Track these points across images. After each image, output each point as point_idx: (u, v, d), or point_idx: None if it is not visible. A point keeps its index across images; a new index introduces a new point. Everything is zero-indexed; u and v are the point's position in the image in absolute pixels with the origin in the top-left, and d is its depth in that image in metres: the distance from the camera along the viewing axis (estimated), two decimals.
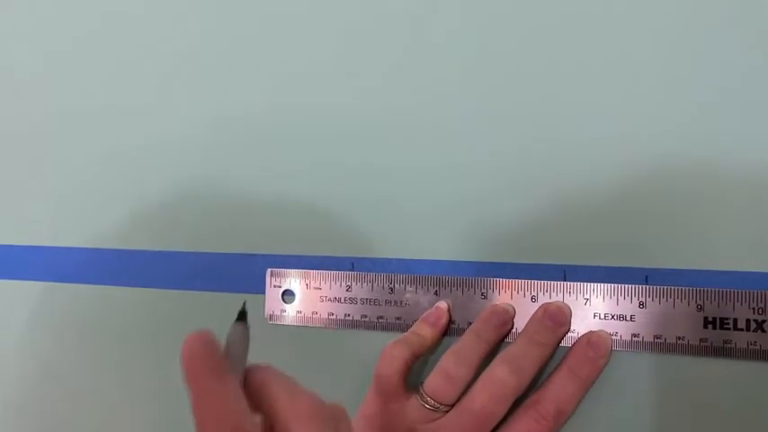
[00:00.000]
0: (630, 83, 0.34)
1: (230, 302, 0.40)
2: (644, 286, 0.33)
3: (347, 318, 0.38)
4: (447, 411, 0.32)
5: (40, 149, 0.47)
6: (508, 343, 0.34)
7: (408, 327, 0.36)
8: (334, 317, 0.38)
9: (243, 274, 0.41)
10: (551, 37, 0.36)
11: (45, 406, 0.45)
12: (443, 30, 0.38)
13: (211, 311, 0.41)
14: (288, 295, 0.39)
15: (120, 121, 0.45)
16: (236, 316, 0.28)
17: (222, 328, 0.40)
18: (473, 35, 0.37)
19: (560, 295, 0.34)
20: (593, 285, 0.34)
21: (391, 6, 0.39)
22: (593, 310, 0.33)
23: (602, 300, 0.33)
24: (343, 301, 0.38)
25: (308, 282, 0.39)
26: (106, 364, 0.44)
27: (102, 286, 0.44)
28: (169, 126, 0.43)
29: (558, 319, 0.33)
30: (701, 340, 0.32)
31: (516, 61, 0.36)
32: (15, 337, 0.47)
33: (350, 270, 0.38)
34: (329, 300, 0.38)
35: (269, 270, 0.40)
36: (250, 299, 0.40)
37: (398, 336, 0.35)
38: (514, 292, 0.35)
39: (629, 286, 0.33)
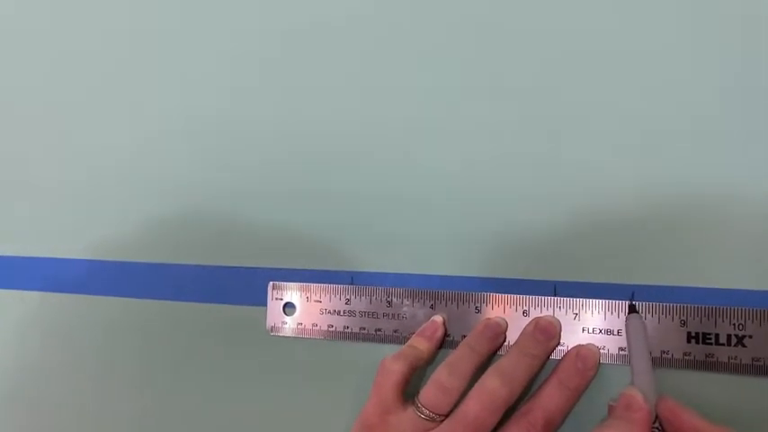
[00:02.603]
0: (622, 106, 0.35)
1: (233, 315, 0.42)
2: (631, 302, 0.34)
3: (346, 330, 0.39)
4: (442, 421, 0.33)
5: (39, 162, 0.47)
6: (500, 355, 0.36)
7: (405, 339, 0.37)
8: (333, 329, 0.39)
9: (245, 286, 0.41)
10: (553, 55, 0.37)
11: (36, 418, 0.46)
12: (449, 39, 0.39)
13: (215, 323, 0.42)
14: (289, 308, 0.40)
15: (122, 134, 0.45)
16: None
17: (224, 338, 0.42)
18: (476, 44, 0.38)
19: (551, 310, 0.35)
20: (582, 301, 0.35)
21: (396, 14, 0.40)
22: (582, 324, 0.35)
23: (590, 315, 0.35)
24: (342, 313, 0.39)
25: (308, 295, 0.40)
26: (105, 375, 0.44)
27: (103, 297, 0.45)
28: (172, 138, 0.44)
29: (548, 332, 0.35)
30: (685, 354, 0.33)
31: (516, 79, 0.37)
32: (12, 348, 0.47)
33: (349, 284, 0.39)
34: (329, 312, 0.39)
35: (270, 283, 0.41)
36: (252, 311, 0.41)
37: (396, 348, 0.36)
38: (507, 307, 0.36)
39: (617, 302, 0.34)
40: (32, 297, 0.47)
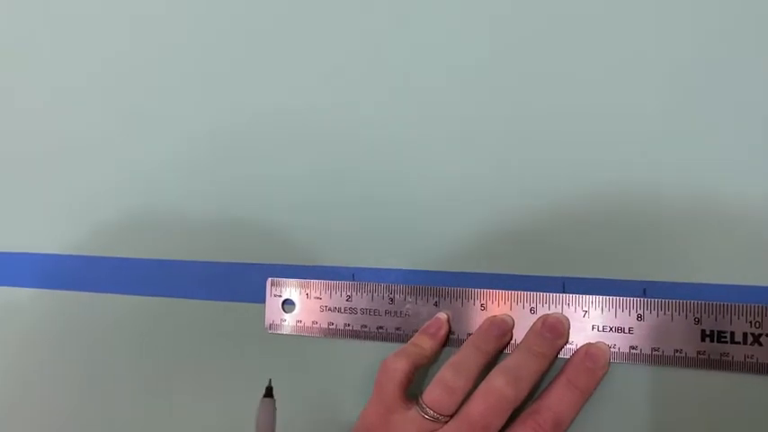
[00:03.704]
0: (630, 97, 0.35)
1: (232, 311, 0.41)
2: (642, 299, 0.33)
3: (347, 328, 0.38)
4: (446, 422, 0.32)
5: (35, 158, 0.47)
6: (507, 354, 0.35)
7: (408, 337, 0.36)
8: (333, 326, 0.38)
9: (243, 283, 0.41)
10: (549, 50, 0.36)
11: (33, 416, 0.45)
12: (444, 44, 0.38)
13: (213, 320, 0.41)
14: (288, 304, 0.40)
15: (121, 129, 0.45)
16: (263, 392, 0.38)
17: (222, 336, 0.41)
18: (474, 47, 0.38)
19: (559, 307, 0.34)
20: (591, 297, 0.34)
21: (392, 16, 0.39)
22: (592, 322, 0.34)
23: (600, 312, 0.34)
24: (342, 310, 0.38)
25: (308, 291, 0.39)
26: (100, 373, 0.44)
27: (99, 294, 0.44)
28: (171, 135, 0.44)
29: (556, 330, 0.34)
30: (699, 353, 0.32)
31: (516, 71, 0.37)
32: (8, 346, 0.47)
33: (350, 280, 0.38)
34: (329, 309, 0.39)
35: (269, 279, 0.40)
36: (250, 308, 0.41)
37: (398, 347, 0.35)
38: (513, 304, 0.35)
39: (628, 299, 0.33)
40: (28, 294, 0.47)
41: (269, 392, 0.37)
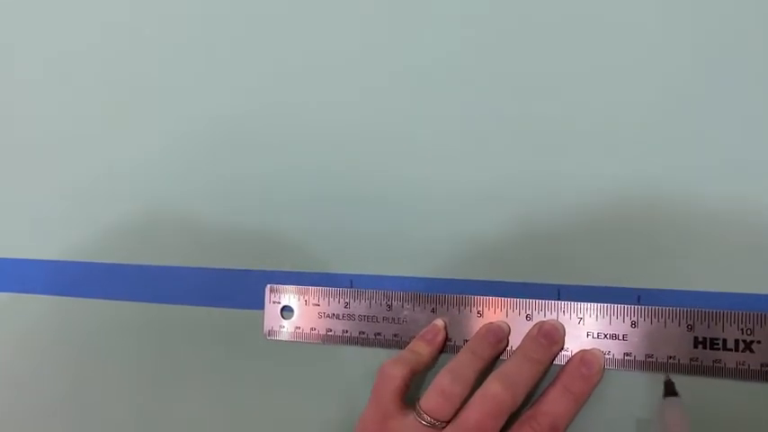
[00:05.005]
0: (624, 107, 0.35)
1: (230, 318, 0.41)
2: (636, 306, 0.34)
3: (345, 334, 0.38)
4: (444, 428, 0.32)
5: (35, 161, 0.47)
6: (503, 360, 0.35)
7: (405, 344, 0.37)
8: (332, 333, 0.39)
9: (242, 289, 0.41)
10: (546, 56, 0.36)
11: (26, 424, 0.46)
12: (447, 46, 0.38)
13: (211, 327, 0.42)
14: (286, 311, 0.40)
15: (119, 135, 0.45)
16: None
17: (220, 342, 0.41)
18: (474, 52, 0.38)
19: (554, 314, 0.35)
20: (586, 305, 0.34)
21: (379, 14, 0.40)
22: (587, 328, 0.34)
23: (595, 319, 0.34)
24: (341, 317, 0.39)
25: (306, 298, 0.39)
26: (98, 380, 0.44)
27: (97, 300, 0.44)
28: (169, 140, 0.44)
29: (552, 337, 0.34)
30: (692, 360, 0.32)
31: (514, 76, 0.37)
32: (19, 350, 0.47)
33: (348, 287, 0.39)
34: (327, 316, 0.39)
35: (268, 286, 0.40)
36: (249, 315, 0.41)
37: (396, 353, 0.36)
38: (510, 311, 0.36)
39: (622, 306, 0.34)
40: (24, 300, 0.46)
41: (670, 389, 0.30)
